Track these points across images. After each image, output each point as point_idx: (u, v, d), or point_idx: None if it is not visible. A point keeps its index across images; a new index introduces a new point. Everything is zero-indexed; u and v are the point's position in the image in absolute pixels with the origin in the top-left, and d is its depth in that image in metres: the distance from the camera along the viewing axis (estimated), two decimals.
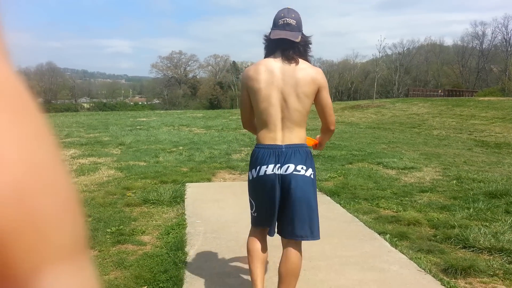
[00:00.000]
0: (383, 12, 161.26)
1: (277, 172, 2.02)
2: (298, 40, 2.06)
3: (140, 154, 7.50)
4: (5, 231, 0.15)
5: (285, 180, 2.01)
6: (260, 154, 2.06)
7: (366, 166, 6.54)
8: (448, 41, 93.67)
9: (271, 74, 2.05)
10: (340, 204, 4.36)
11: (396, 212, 4.15)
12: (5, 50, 0.18)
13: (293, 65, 2.05)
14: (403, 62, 62.54)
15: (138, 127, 13.52)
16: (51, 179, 0.18)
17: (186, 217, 3.92)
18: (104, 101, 67.93)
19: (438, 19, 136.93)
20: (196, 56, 78.68)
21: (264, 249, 2.21)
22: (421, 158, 7.40)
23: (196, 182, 5.37)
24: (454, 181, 5.47)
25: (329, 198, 4.61)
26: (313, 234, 2.07)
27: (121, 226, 3.65)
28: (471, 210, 4.15)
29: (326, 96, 2.10)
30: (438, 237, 3.48)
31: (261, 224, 2.19)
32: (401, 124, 15.88)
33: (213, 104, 65.74)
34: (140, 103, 72.13)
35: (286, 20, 2.06)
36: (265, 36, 2.17)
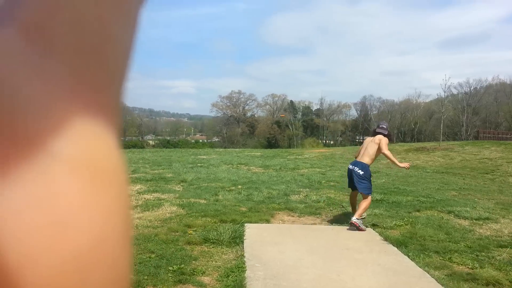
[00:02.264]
0: (446, 50, 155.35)
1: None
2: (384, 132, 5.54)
3: (201, 191, 7.69)
4: None
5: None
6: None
7: (436, 214, 6.13)
8: None
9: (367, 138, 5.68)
10: (409, 257, 4.08)
11: (472, 269, 3.79)
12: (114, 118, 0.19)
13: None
14: (471, 102, 59.24)
15: (198, 164, 13.96)
16: (111, 255, 0.18)
17: (245, 259, 3.88)
18: (168, 138, 71.49)
19: (507, 57, 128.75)
20: (254, 96, 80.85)
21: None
22: (497, 208, 6.79)
23: (255, 222, 5.36)
24: None
25: (395, 248, 4.34)
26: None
27: (182, 265, 3.70)
28: None
29: (383, 147, 5.31)
30: None
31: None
32: (473, 169, 14.81)
33: (271, 143, 66.41)
34: (200, 140, 74.93)
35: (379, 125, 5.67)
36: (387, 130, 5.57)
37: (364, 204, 5.17)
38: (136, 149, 31.86)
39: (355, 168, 5.36)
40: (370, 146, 5.39)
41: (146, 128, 79.62)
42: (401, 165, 5.45)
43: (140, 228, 4.98)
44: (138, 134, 72.96)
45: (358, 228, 5.01)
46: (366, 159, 5.37)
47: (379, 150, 5.30)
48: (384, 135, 5.41)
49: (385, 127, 5.54)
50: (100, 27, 0.17)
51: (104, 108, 0.18)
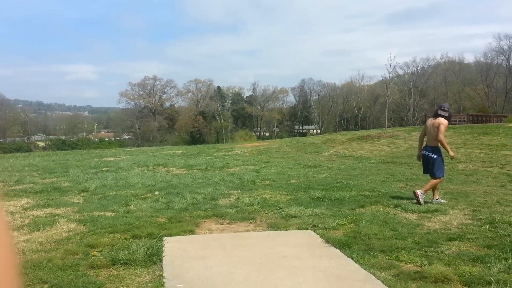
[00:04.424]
0: (392, 26, 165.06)
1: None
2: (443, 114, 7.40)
3: (107, 202, 7.45)
4: None
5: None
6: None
7: (381, 209, 6.55)
8: (469, 58, 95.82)
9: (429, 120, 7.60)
10: (352, 258, 4.33)
11: (420, 267, 4.12)
12: None
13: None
14: (418, 83, 63.76)
15: (104, 168, 13.48)
16: None
17: (164, 280, 3.85)
18: (63, 138, 67.93)
19: (456, 33, 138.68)
20: (173, 82, 79.55)
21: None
22: (446, 198, 7.43)
23: (176, 235, 5.32)
24: (487, 226, 5.48)
25: (338, 251, 4.58)
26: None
27: None
28: (509, 261, 4.13)
29: (440, 133, 7.08)
30: None
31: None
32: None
33: (195, 138, 66.10)
34: (106, 139, 72.28)
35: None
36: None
37: (432, 181, 6.99)
38: (21, 153, 29.84)
39: (429, 153, 7.15)
40: (433, 130, 7.14)
41: (34, 125, 74.73)
42: (451, 153, 7.15)
43: (28, 253, 4.70)
44: (22, 134, 68.24)
45: (418, 201, 6.74)
46: (433, 142, 7.17)
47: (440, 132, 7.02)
48: (445, 117, 7.09)
49: (446, 109, 7.26)
50: None
51: None
